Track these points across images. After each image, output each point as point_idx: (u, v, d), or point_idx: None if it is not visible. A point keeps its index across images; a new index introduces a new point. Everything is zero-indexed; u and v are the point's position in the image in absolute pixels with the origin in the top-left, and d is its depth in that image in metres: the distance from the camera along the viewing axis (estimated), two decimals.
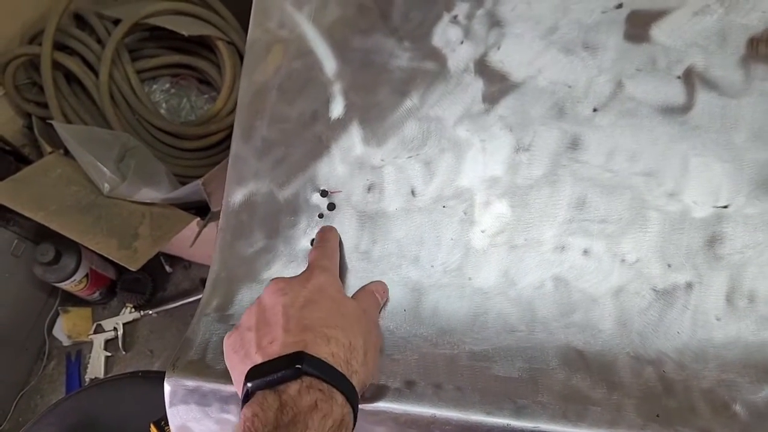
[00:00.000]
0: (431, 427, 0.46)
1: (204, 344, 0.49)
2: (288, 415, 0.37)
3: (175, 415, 0.48)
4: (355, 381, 0.41)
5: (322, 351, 0.41)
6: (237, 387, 0.43)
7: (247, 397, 0.39)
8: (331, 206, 0.54)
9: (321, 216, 0.54)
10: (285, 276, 0.49)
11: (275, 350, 0.41)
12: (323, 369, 0.40)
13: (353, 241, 0.53)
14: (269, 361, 0.40)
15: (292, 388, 0.38)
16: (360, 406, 0.46)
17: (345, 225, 0.54)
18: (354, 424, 0.41)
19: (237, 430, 0.38)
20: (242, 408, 0.39)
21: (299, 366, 0.39)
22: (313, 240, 0.54)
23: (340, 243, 0.53)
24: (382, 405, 0.47)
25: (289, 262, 0.53)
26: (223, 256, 0.54)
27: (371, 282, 0.52)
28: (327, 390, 0.39)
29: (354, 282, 0.52)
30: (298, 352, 0.40)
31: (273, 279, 0.46)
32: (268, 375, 0.39)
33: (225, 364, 0.48)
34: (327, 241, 0.52)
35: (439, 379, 0.48)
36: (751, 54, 0.54)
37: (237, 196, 0.56)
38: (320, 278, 0.46)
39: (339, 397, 0.39)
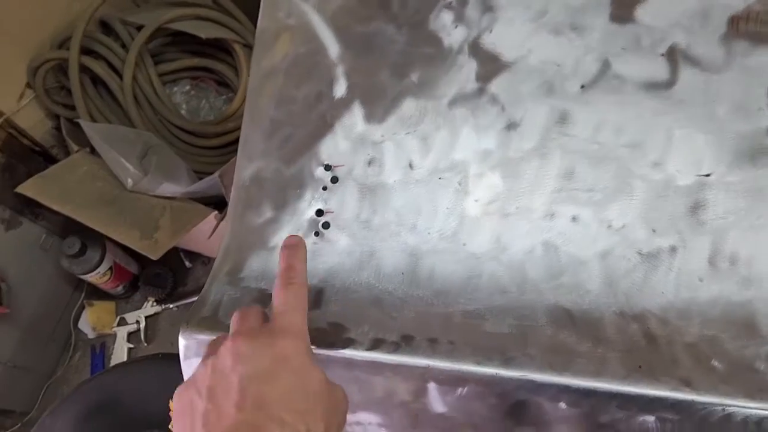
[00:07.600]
0: (425, 377, 0.50)
1: (216, 303, 0.53)
2: None
3: (188, 367, 0.52)
4: None
5: None
6: None
7: None
8: (334, 179, 0.58)
9: (325, 188, 0.58)
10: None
11: (222, 428, 0.38)
12: None
13: (355, 211, 0.57)
14: None
15: None
16: (359, 357, 0.50)
17: (347, 196, 0.58)
18: None
19: None
20: None
21: None
22: (318, 210, 0.57)
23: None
24: (379, 356, 0.50)
25: (295, 231, 0.57)
26: (234, 226, 0.58)
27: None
28: None
29: (356, 249, 0.56)
30: None
31: (234, 332, 0.43)
32: None
33: None
34: (293, 279, 0.46)
35: (433, 335, 0.51)
36: (731, 32, 0.57)
37: (247, 172, 0.60)
38: (286, 343, 0.42)
39: None
